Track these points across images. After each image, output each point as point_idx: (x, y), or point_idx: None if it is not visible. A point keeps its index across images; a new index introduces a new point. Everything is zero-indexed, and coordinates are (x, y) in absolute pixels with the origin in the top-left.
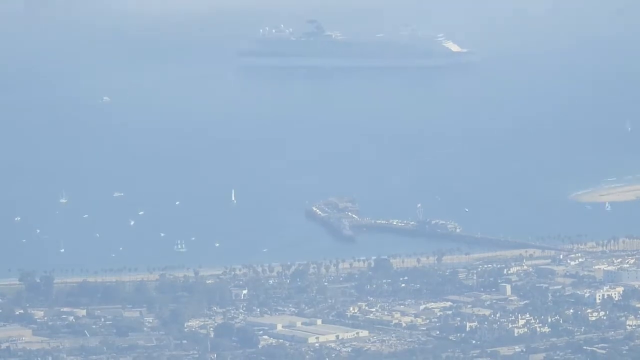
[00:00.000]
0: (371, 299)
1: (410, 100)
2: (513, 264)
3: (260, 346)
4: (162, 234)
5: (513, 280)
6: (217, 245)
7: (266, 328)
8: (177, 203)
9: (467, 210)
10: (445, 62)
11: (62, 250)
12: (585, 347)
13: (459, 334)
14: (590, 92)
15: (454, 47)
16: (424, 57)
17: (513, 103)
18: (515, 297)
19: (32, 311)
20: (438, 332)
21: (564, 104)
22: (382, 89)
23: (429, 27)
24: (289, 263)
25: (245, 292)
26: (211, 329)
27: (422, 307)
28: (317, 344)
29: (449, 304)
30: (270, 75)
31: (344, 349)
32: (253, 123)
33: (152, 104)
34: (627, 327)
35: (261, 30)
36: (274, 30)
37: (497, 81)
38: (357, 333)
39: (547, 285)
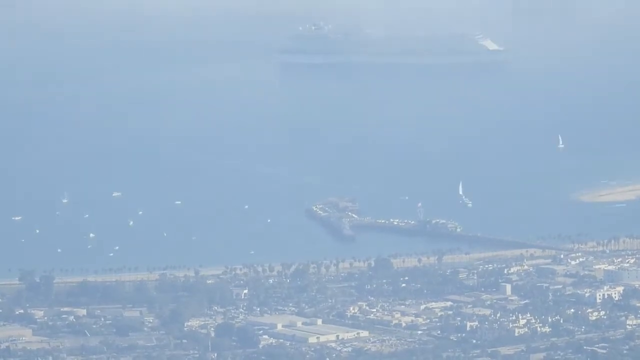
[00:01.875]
0: (371, 298)
1: (437, 98)
2: (513, 263)
3: (260, 346)
4: (165, 234)
5: (513, 280)
6: (218, 244)
7: (266, 328)
8: (178, 202)
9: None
10: (481, 60)
11: (60, 250)
12: (585, 347)
13: (459, 334)
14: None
15: (491, 45)
16: (460, 55)
17: (532, 101)
18: (516, 297)
19: (32, 311)
20: (438, 332)
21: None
22: (418, 86)
23: (466, 24)
24: (289, 263)
25: (245, 291)
26: (211, 328)
27: (422, 307)
28: (317, 344)
29: (449, 303)
30: (309, 72)
31: (345, 349)
32: (283, 121)
33: (188, 104)
34: (628, 326)
35: (300, 28)
36: (313, 28)
37: (524, 79)
38: (358, 333)
39: (547, 284)
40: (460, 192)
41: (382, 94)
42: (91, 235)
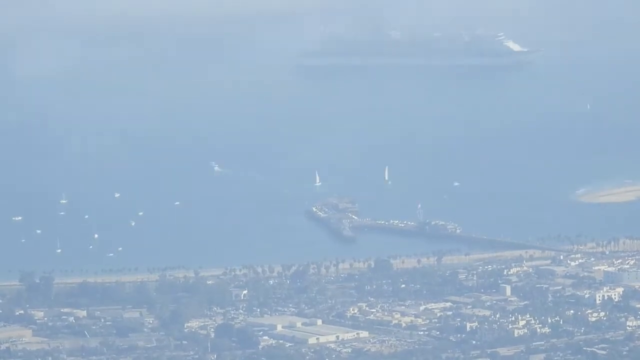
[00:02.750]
0: (371, 299)
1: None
2: (513, 264)
3: (260, 347)
4: (165, 234)
5: (513, 281)
6: (219, 245)
7: (266, 329)
8: (177, 203)
9: (456, 184)
10: (505, 62)
11: (59, 251)
12: (585, 348)
13: (459, 335)
14: None
15: (515, 46)
16: (484, 56)
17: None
18: (515, 298)
19: (32, 312)
20: (438, 333)
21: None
22: (441, 88)
23: (490, 25)
24: (289, 263)
25: (245, 292)
26: (211, 329)
27: (422, 307)
28: (317, 345)
29: (449, 304)
30: (330, 74)
31: (344, 350)
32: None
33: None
34: (627, 327)
35: (321, 30)
36: (333, 30)
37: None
38: (357, 334)
39: (547, 286)
40: (386, 177)
41: (402, 95)
42: (95, 236)
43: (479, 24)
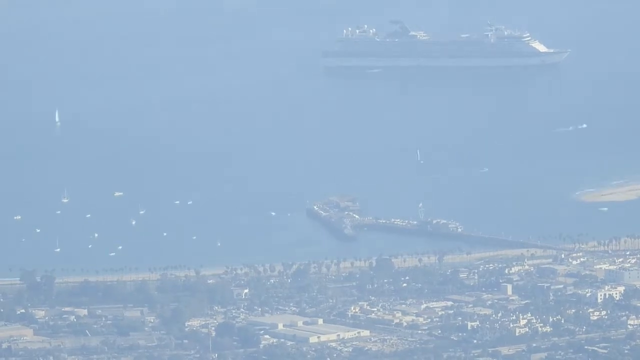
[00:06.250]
0: (372, 298)
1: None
2: (514, 263)
3: (261, 346)
4: (165, 234)
5: (514, 279)
6: (219, 244)
7: (267, 327)
8: (177, 202)
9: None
10: (531, 63)
11: (58, 250)
12: (586, 347)
13: (460, 334)
14: None
15: (541, 47)
16: (509, 57)
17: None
18: (517, 297)
19: (33, 311)
20: (439, 332)
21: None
22: (465, 90)
23: (515, 26)
24: (290, 262)
25: (246, 291)
26: (212, 328)
27: (423, 306)
28: (318, 344)
29: (450, 303)
30: (353, 76)
31: (345, 349)
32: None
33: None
34: (629, 326)
35: (344, 31)
36: (357, 31)
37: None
38: (359, 332)
39: (548, 284)
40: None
41: (426, 98)
42: (95, 235)
43: (504, 23)
